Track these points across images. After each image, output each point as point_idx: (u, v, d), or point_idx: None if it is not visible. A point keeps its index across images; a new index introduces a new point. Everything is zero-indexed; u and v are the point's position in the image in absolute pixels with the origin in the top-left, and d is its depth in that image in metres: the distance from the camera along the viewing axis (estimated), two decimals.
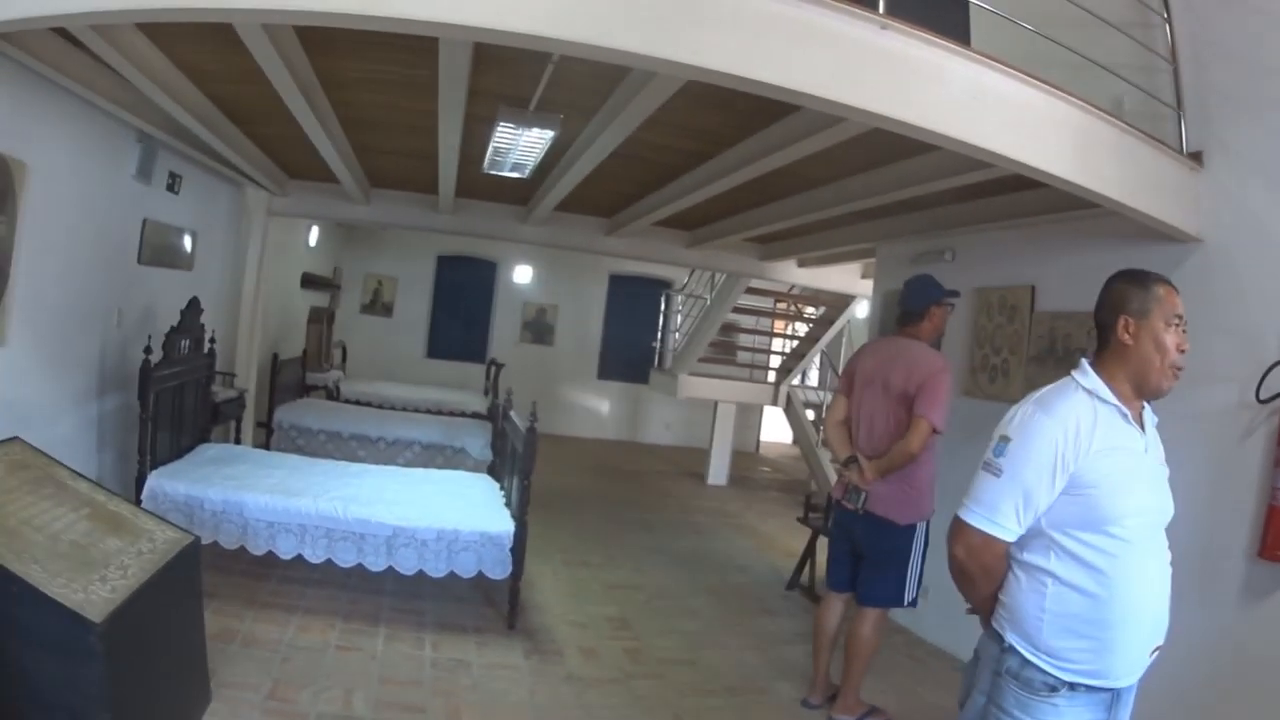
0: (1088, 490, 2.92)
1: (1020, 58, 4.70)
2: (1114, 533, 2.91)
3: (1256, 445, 5.21)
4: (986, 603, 3.18)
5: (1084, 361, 3.18)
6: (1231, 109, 5.53)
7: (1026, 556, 3.05)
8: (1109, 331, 3.16)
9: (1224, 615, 5.27)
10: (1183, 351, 3.07)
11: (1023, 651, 2.99)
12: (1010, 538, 3.02)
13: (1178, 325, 3.07)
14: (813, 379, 18.04)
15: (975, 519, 3.04)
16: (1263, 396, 5.11)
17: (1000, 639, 3.08)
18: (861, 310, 13.87)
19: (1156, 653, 3.07)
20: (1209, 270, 5.58)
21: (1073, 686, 2.94)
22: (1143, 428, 3.14)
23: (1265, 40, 5.36)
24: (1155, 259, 5.54)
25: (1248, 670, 5.13)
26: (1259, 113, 5.38)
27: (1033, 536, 3.03)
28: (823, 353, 16.28)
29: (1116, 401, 3.04)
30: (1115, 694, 3.01)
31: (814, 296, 15.95)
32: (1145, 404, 3.21)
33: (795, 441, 16.38)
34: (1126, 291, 3.15)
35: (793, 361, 15.54)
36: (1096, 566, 2.92)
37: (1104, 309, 3.20)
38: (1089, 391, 3.06)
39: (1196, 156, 5.65)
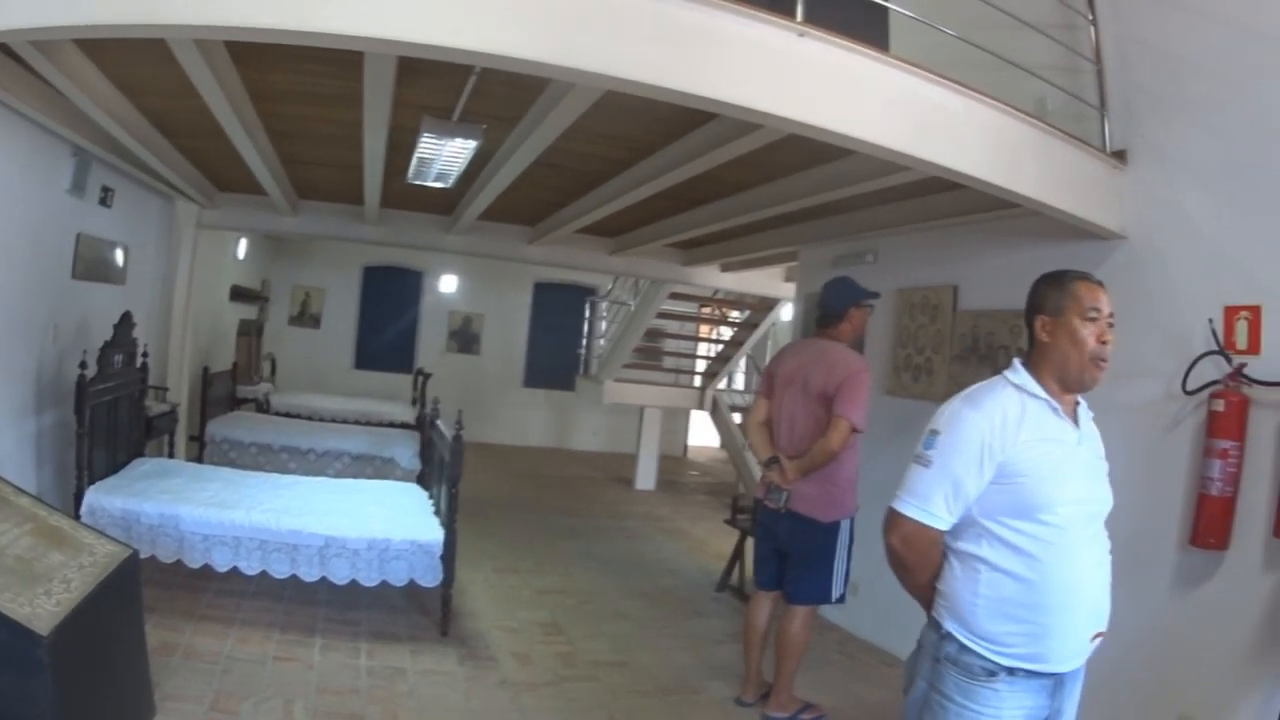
0: (1017, 480, 3.00)
1: (942, 62, 4.79)
2: (1046, 520, 2.99)
3: (1184, 435, 5.34)
4: (924, 590, 3.24)
5: (1016, 360, 3.26)
6: (1157, 108, 5.66)
7: (961, 544, 3.12)
8: (1031, 331, 3.25)
9: (1158, 602, 5.39)
10: (1104, 343, 3.12)
11: (960, 637, 3.05)
12: (942, 526, 3.09)
13: (1096, 319, 3.13)
14: (739, 382, 18.16)
15: (908, 509, 3.11)
16: (1189, 388, 5.23)
17: (939, 626, 3.14)
18: (786, 313, 13.98)
19: (1099, 639, 3.15)
20: (1133, 266, 5.71)
21: (1012, 671, 2.99)
22: (1076, 422, 3.22)
23: (1192, 39, 5.47)
24: (1078, 256, 5.69)
25: (1182, 655, 5.26)
26: (1185, 111, 5.50)
27: (966, 525, 3.10)
28: (748, 356, 16.42)
29: (1046, 396, 3.13)
30: (1058, 679, 3.07)
31: (738, 300, 16.02)
32: (1080, 400, 3.29)
33: (722, 445, 16.46)
34: (1044, 292, 3.24)
35: (718, 365, 15.68)
36: (1029, 553, 2.99)
37: (1028, 310, 3.28)
38: (1018, 387, 3.14)
39: (1120, 155, 5.78)
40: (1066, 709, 3.15)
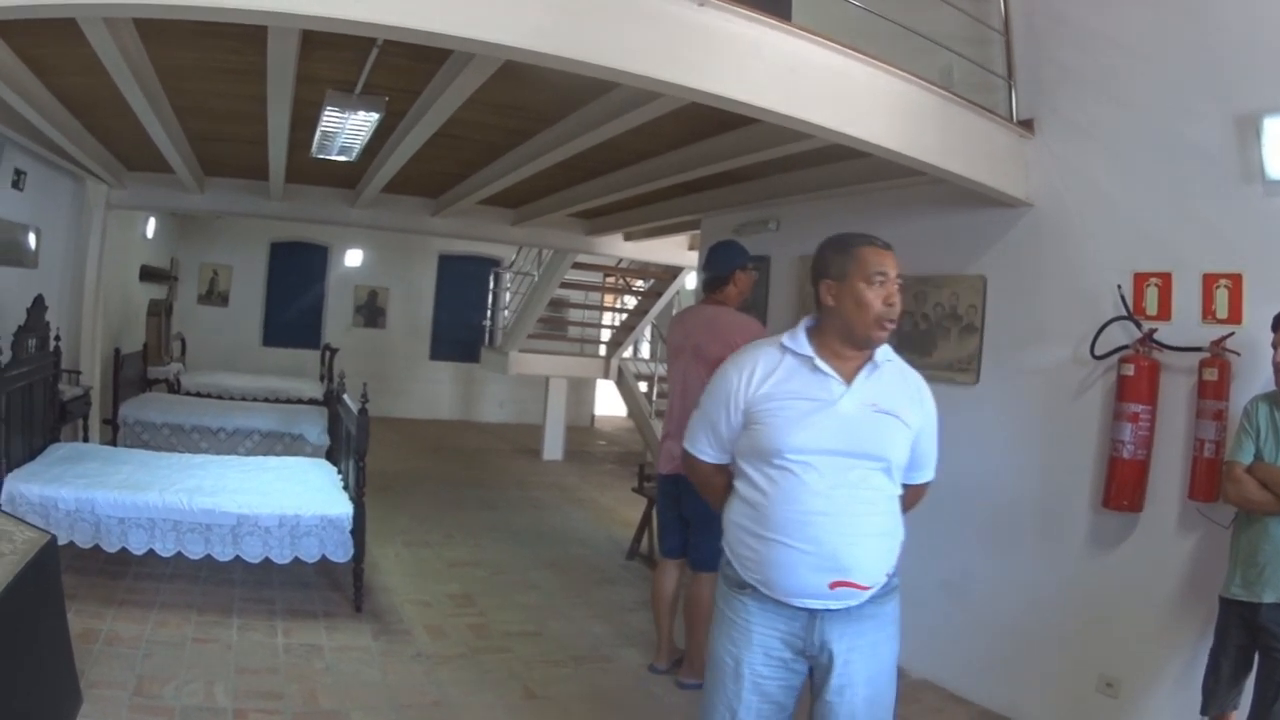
0: (755, 426, 3.36)
1: (850, 32, 4.83)
2: (777, 464, 3.28)
3: (1094, 400, 5.45)
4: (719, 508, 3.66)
5: (803, 321, 3.47)
6: (1067, 79, 5.76)
7: (734, 474, 3.55)
8: (816, 293, 3.40)
9: (1073, 564, 5.51)
10: (890, 305, 3.29)
11: (725, 551, 3.51)
12: (707, 459, 3.59)
13: (881, 282, 3.27)
14: (644, 351, 18.18)
15: (686, 442, 3.66)
16: (1098, 353, 5.34)
17: None
18: (690, 281, 14.03)
19: (846, 588, 3.24)
20: (1040, 233, 5.78)
21: (756, 589, 3.35)
22: (850, 379, 3.31)
23: (1103, 12, 5.56)
24: (984, 223, 5.84)
25: (1101, 617, 5.37)
26: (1094, 80, 5.60)
27: (735, 458, 3.51)
28: (653, 324, 16.42)
29: (811, 354, 3.33)
30: (810, 614, 3.29)
31: (642, 269, 16.06)
32: (876, 361, 3.37)
33: (629, 414, 16.49)
34: (828, 257, 3.39)
35: (623, 334, 15.73)
36: (761, 488, 3.34)
37: (812, 274, 3.46)
38: (783, 345, 3.40)
39: (1028, 124, 5.87)
40: (839, 651, 3.29)
